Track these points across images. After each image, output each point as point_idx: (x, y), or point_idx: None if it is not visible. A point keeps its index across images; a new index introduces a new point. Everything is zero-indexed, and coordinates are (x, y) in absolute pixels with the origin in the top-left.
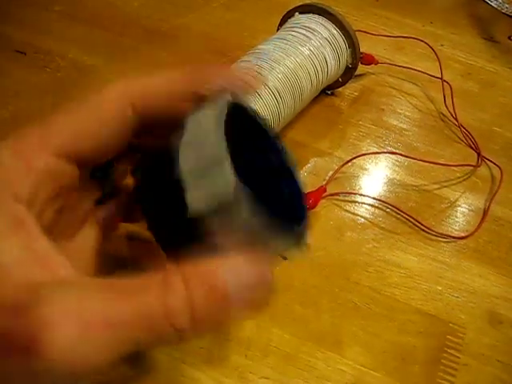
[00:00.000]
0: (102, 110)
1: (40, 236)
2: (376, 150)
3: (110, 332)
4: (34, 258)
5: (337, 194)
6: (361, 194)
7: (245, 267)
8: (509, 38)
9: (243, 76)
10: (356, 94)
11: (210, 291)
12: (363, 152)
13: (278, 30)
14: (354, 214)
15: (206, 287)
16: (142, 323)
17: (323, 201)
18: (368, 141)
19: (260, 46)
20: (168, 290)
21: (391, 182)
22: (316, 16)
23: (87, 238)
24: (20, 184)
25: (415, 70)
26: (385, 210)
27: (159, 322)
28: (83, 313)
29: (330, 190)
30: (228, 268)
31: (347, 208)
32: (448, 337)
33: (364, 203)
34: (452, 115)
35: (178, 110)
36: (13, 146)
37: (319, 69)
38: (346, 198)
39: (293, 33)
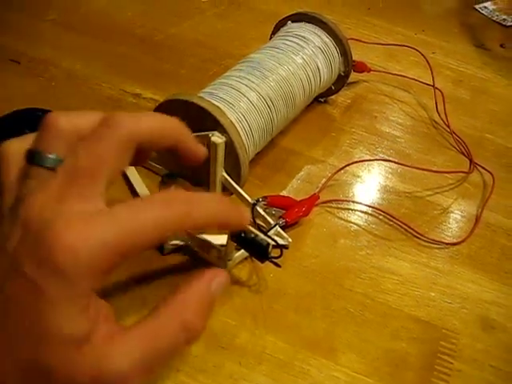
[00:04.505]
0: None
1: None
2: (369, 157)
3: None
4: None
5: (330, 201)
6: (354, 201)
7: (221, 279)
8: (500, 45)
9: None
10: (349, 101)
11: (208, 306)
12: (356, 159)
13: (270, 38)
14: (347, 221)
15: (205, 307)
16: (169, 353)
17: (316, 208)
18: (361, 148)
19: (253, 55)
20: (186, 324)
21: (384, 189)
22: (308, 24)
23: None
24: None
25: (407, 77)
26: (378, 217)
27: (181, 347)
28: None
29: (323, 197)
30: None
31: (340, 215)
32: (441, 343)
33: (357, 210)
34: (444, 122)
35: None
36: None
37: (312, 77)
38: (339, 206)
39: (285, 41)
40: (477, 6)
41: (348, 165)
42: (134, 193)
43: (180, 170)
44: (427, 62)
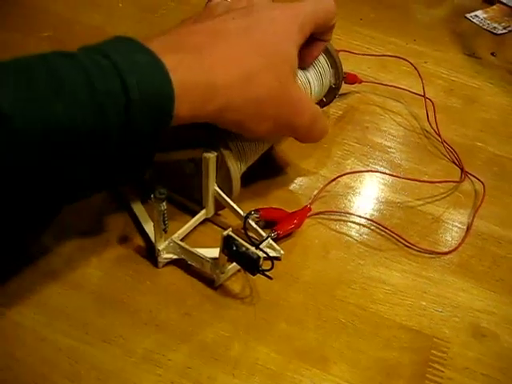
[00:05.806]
0: None
1: None
2: (360, 168)
3: None
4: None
5: (322, 212)
6: (346, 212)
7: None
8: (491, 53)
9: None
10: (340, 112)
11: None
12: (348, 170)
13: None
14: (339, 232)
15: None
16: None
17: (308, 220)
18: (352, 159)
19: None
20: None
21: (376, 200)
22: None
23: None
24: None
25: (399, 87)
26: (369, 228)
27: None
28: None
29: (315, 208)
30: None
31: (332, 226)
32: (432, 351)
33: (349, 221)
34: (435, 132)
35: None
36: None
37: (302, 90)
38: (331, 217)
39: None
40: (468, 15)
41: (340, 176)
42: (139, 225)
43: (172, 186)
44: (417, 71)
